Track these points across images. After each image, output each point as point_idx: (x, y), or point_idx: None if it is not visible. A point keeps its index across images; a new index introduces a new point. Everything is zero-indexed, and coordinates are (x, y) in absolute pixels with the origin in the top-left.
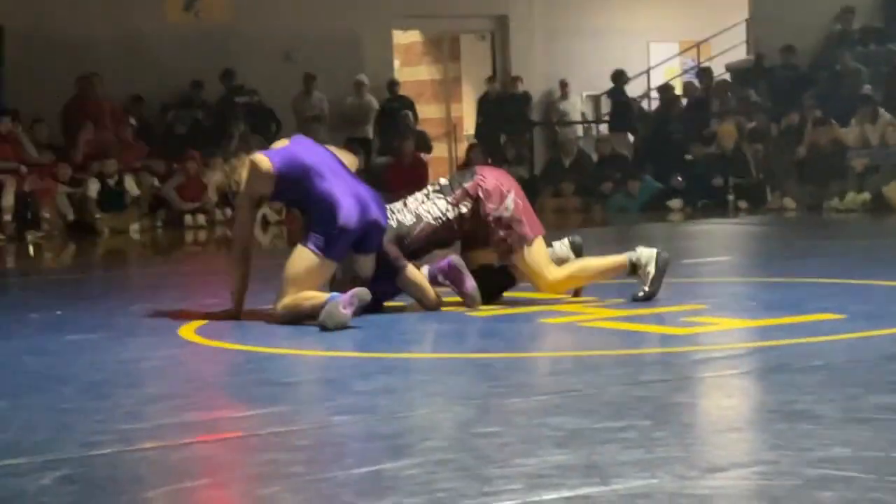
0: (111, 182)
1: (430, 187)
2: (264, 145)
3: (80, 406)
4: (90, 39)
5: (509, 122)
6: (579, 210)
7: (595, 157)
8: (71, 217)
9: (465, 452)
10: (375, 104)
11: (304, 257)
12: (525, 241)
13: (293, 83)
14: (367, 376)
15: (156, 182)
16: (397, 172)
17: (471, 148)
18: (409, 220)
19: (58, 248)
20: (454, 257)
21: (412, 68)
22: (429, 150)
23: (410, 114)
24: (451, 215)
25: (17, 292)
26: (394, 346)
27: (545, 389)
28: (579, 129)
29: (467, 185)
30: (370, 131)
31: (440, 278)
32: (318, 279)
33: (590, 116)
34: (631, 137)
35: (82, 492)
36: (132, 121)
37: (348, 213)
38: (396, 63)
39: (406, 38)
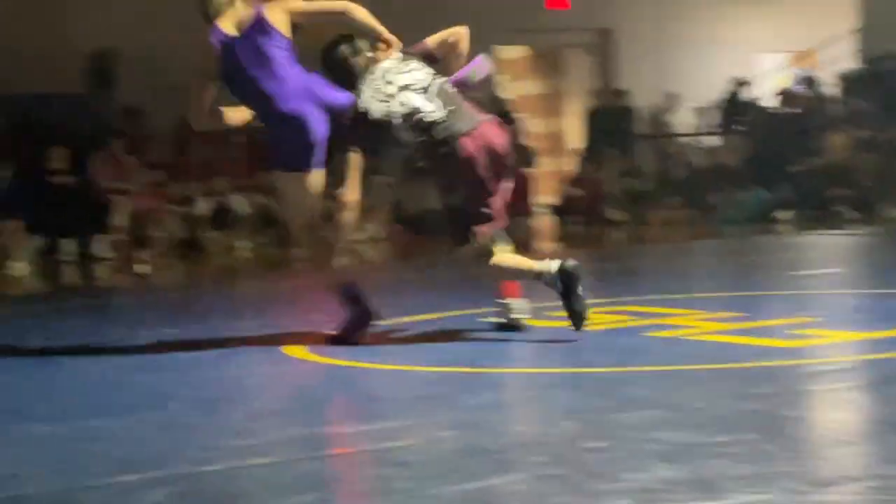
0: (221, 200)
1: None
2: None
3: (190, 422)
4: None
5: (615, 135)
6: (687, 222)
7: (703, 169)
8: (181, 235)
9: (572, 467)
10: None
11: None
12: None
13: None
14: (474, 391)
15: (265, 199)
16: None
17: (578, 162)
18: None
19: (168, 266)
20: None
21: (519, 83)
22: (529, 164)
23: (514, 128)
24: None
25: (129, 310)
26: (500, 361)
27: (653, 404)
28: (687, 141)
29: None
30: None
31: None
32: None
33: (697, 128)
34: (741, 148)
35: None
36: (241, 140)
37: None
38: (501, 78)
39: (511, 52)
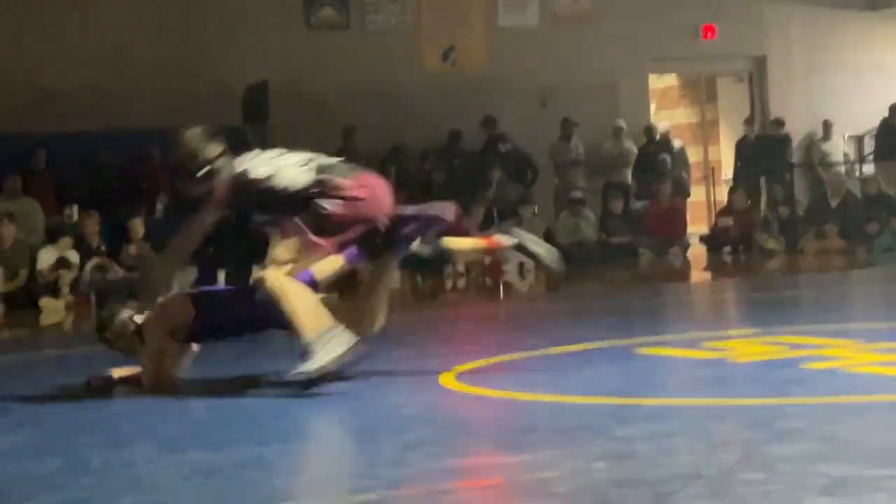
0: None
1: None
2: (519, 191)
3: (346, 452)
4: (350, 92)
5: (769, 164)
6: (843, 252)
7: (859, 198)
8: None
9: (728, 500)
10: (634, 149)
11: None
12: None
13: (550, 129)
14: (627, 422)
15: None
16: (655, 216)
17: (731, 191)
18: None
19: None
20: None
21: (669, 111)
22: (686, 194)
23: (669, 157)
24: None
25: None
26: (654, 391)
27: (810, 436)
28: (842, 170)
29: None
30: (629, 175)
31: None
32: None
33: (852, 156)
34: None
35: None
36: (392, 170)
37: None
38: (653, 107)
39: (662, 81)
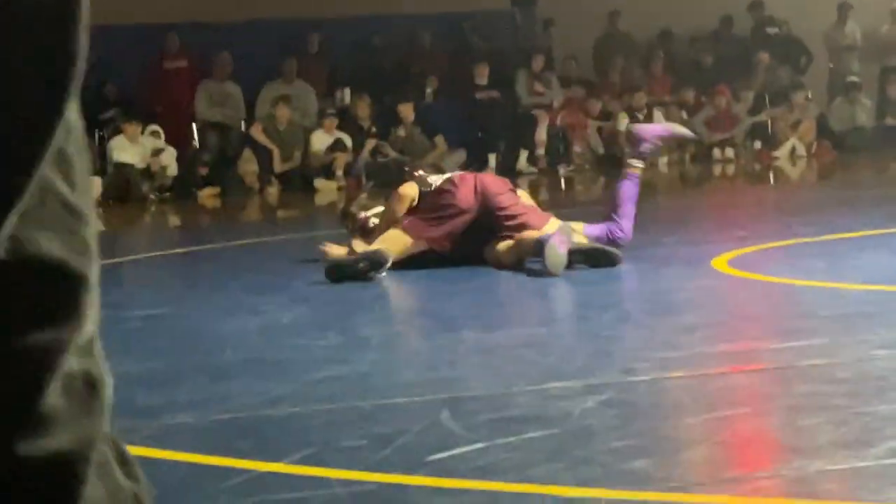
0: (640, 116)
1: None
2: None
3: (618, 334)
4: None
5: None
6: None
7: None
8: (601, 151)
9: None
10: None
11: None
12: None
13: (826, 13)
14: None
15: (684, 115)
16: None
17: None
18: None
19: (589, 181)
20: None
21: None
22: None
23: None
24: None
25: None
26: None
27: None
28: None
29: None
30: None
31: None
32: None
33: None
34: None
35: (624, 415)
36: (661, 54)
37: None
38: None
39: None
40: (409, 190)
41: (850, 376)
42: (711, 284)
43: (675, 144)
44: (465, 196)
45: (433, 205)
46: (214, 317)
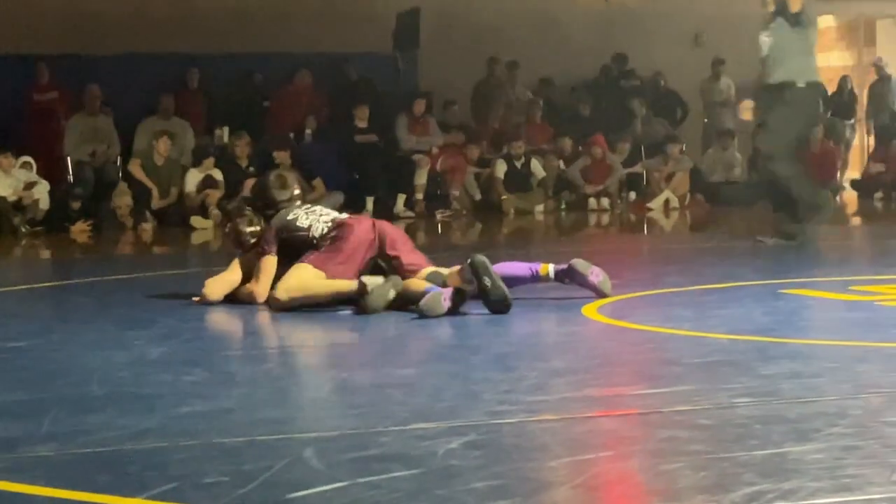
0: (518, 163)
1: (333, 216)
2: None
3: (486, 376)
4: (503, 22)
5: None
6: None
7: None
8: (478, 197)
9: (873, 440)
10: None
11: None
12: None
13: (701, 67)
14: (770, 360)
15: (561, 164)
16: (806, 159)
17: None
18: (305, 223)
19: (465, 226)
20: (576, 260)
21: (824, 54)
22: (839, 138)
23: (821, 101)
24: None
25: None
26: (799, 331)
27: None
28: None
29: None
30: None
31: (566, 280)
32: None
33: None
34: None
35: (488, 456)
36: (540, 102)
37: None
38: None
39: (819, 23)
40: (270, 266)
41: (712, 423)
42: (581, 330)
43: (551, 191)
44: (364, 234)
45: (339, 244)
46: (82, 350)
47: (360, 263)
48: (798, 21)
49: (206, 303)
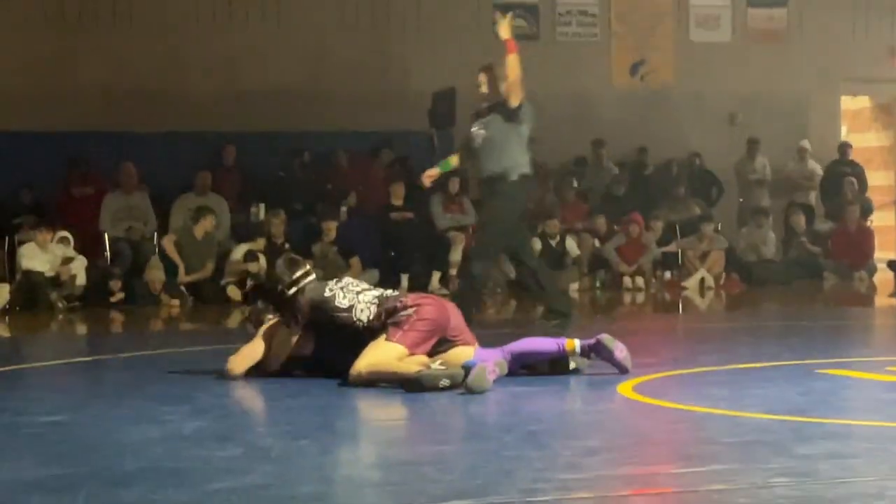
0: (553, 242)
1: (374, 293)
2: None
3: (521, 454)
4: (535, 103)
5: None
6: None
7: None
8: (512, 275)
9: None
10: (819, 170)
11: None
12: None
13: (736, 147)
14: (807, 440)
15: (596, 243)
16: (842, 239)
17: None
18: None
19: (500, 304)
20: (603, 335)
21: (860, 134)
22: (868, 217)
23: (855, 181)
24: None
25: None
26: (835, 411)
27: None
28: None
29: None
30: (813, 197)
31: (592, 355)
32: None
33: None
34: None
35: None
36: (574, 182)
37: None
38: (843, 129)
39: (855, 103)
40: (291, 340)
41: (749, 502)
42: (616, 408)
43: (586, 269)
44: (441, 315)
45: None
46: (116, 425)
47: (433, 343)
48: (513, 116)
49: (231, 378)
